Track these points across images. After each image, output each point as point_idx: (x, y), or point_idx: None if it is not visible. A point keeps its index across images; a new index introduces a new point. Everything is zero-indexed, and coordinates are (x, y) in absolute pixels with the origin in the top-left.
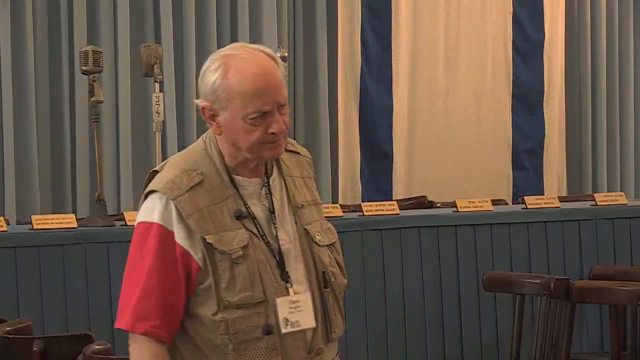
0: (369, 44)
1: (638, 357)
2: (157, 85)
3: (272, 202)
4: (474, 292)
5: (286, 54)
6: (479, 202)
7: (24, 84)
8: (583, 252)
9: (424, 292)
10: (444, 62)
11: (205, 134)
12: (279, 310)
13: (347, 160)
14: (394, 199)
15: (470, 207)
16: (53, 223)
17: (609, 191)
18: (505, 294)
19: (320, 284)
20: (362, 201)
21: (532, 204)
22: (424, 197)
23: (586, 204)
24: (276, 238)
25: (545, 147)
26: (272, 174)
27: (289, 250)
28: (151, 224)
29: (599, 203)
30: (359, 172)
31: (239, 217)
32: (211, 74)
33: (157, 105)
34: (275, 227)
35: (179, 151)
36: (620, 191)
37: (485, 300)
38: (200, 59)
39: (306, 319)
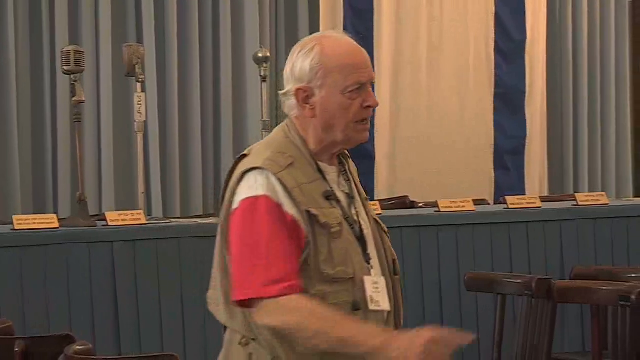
0: None
1: (619, 357)
2: (139, 85)
3: (351, 188)
4: (455, 292)
5: (268, 54)
6: (461, 202)
7: (5, 83)
8: (564, 252)
9: (406, 292)
10: (427, 62)
11: (283, 124)
12: (366, 288)
13: None
14: (376, 199)
15: (452, 207)
16: (35, 223)
17: (590, 191)
18: (486, 293)
19: (391, 271)
20: None
21: (514, 204)
22: (406, 197)
23: (568, 204)
24: (357, 222)
25: (527, 147)
26: (344, 165)
27: (368, 235)
28: (257, 197)
29: (580, 203)
30: None
31: (328, 197)
32: (307, 54)
33: (139, 105)
34: (356, 212)
35: (161, 151)
36: (602, 191)
37: (467, 300)
38: (182, 59)
39: (384, 301)
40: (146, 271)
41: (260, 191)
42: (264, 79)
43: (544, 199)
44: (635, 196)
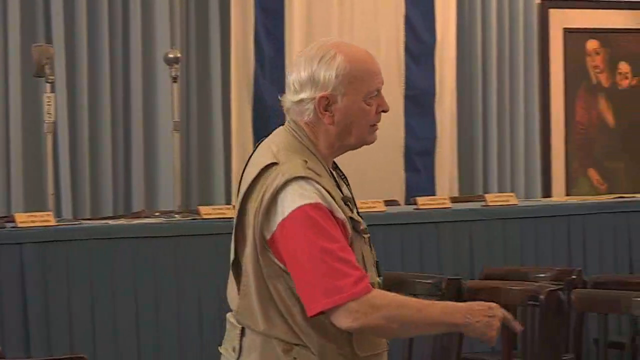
0: (263, 46)
1: (528, 357)
2: (48, 85)
3: (350, 191)
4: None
5: (179, 55)
6: (372, 203)
7: None
8: (474, 252)
9: None
10: None
11: (287, 127)
12: None
13: (240, 162)
14: None
15: (363, 208)
16: None
17: (499, 191)
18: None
19: (375, 272)
20: None
21: (424, 205)
22: None
23: (477, 205)
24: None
25: (437, 148)
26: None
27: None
28: (313, 204)
29: (490, 203)
30: None
31: (345, 203)
32: (329, 62)
33: (49, 106)
34: (359, 214)
35: (70, 152)
36: (511, 191)
37: None
38: (92, 59)
39: None
40: (56, 273)
41: (314, 198)
42: (174, 80)
43: (453, 200)
44: (544, 197)
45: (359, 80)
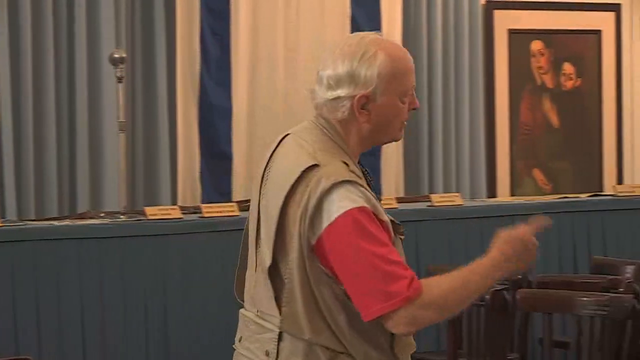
0: (208, 45)
1: (473, 356)
2: None
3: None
4: None
5: (124, 55)
6: None
7: None
8: (419, 252)
9: None
10: (284, 63)
11: (314, 124)
12: None
13: (186, 161)
14: (233, 200)
15: None
16: None
17: (445, 192)
18: None
19: None
20: (202, 202)
21: None
22: None
23: (423, 205)
24: None
25: (382, 148)
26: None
27: None
28: (361, 208)
29: (435, 204)
30: (198, 173)
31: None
32: (370, 60)
33: None
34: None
35: (15, 153)
36: (456, 192)
37: None
38: (36, 60)
39: None
40: (0, 274)
41: (360, 202)
42: (120, 80)
43: (399, 200)
44: (489, 197)
45: (398, 79)
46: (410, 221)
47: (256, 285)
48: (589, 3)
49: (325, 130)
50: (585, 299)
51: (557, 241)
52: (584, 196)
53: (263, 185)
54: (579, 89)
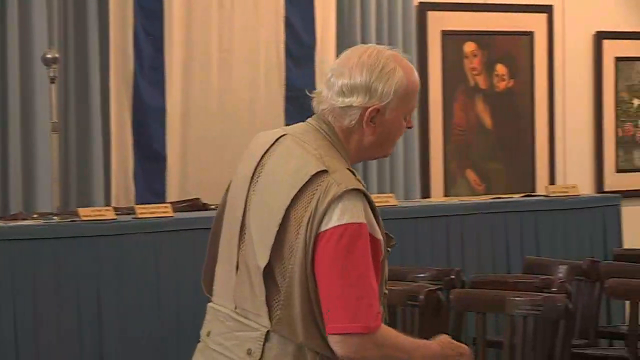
0: (142, 45)
1: None
2: None
3: None
4: None
5: (57, 55)
6: None
7: None
8: None
9: (198, 293)
10: (218, 64)
11: (314, 126)
12: None
13: (120, 162)
14: (167, 201)
15: None
16: None
17: (379, 192)
18: None
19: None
20: (136, 203)
21: None
22: (198, 199)
23: None
24: None
25: None
26: None
27: None
28: (360, 224)
29: None
30: (132, 173)
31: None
32: (389, 75)
33: None
34: None
35: None
36: (390, 192)
37: None
38: None
39: None
40: None
41: (360, 219)
42: (52, 80)
43: None
44: (423, 197)
45: (409, 98)
46: None
47: (239, 284)
48: (521, 5)
49: (326, 135)
50: (518, 299)
51: (490, 241)
52: (516, 196)
53: (254, 183)
54: (511, 90)
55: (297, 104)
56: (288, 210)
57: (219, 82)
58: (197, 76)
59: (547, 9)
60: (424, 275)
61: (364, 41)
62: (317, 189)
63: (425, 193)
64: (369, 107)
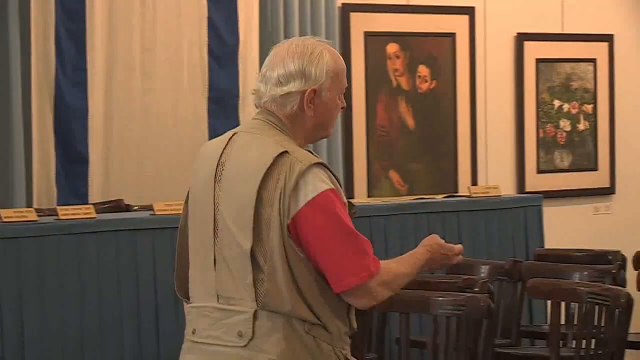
0: (63, 46)
1: None
2: None
3: None
4: (172, 294)
5: None
6: (177, 204)
7: None
8: None
9: (121, 295)
10: (141, 65)
11: (263, 120)
12: None
13: (41, 164)
14: (90, 202)
15: (167, 210)
16: None
17: None
18: None
19: None
20: (58, 204)
21: None
22: (121, 200)
23: None
24: None
25: None
26: None
27: None
28: (332, 190)
29: None
30: (54, 175)
31: None
32: (319, 59)
33: None
34: None
35: None
36: None
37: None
38: None
39: None
40: None
41: (328, 185)
42: None
43: None
44: (346, 198)
45: (339, 77)
46: None
47: (219, 276)
48: (443, 6)
49: (274, 125)
50: (441, 299)
51: (413, 242)
52: (439, 197)
53: (218, 181)
54: (434, 91)
55: (221, 104)
56: (260, 192)
57: (142, 83)
58: (120, 77)
59: (469, 11)
60: None
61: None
62: (282, 168)
63: (349, 194)
64: (306, 90)
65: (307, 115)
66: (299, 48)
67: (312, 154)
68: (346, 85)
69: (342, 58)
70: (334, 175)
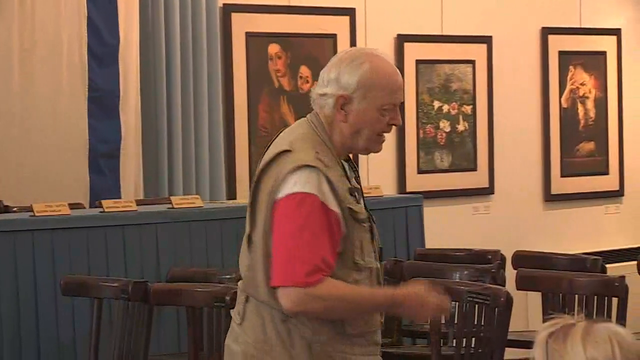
0: None
1: (214, 357)
2: None
3: (359, 183)
4: (52, 297)
5: None
6: (57, 206)
7: None
8: (160, 255)
9: (14, 294)
10: (20, 64)
11: (307, 119)
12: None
13: None
14: None
15: (47, 211)
16: None
17: (185, 194)
18: (83, 297)
19: (377, 258)
20: None
21: (110, 208)
22: (0, 201)
23: (163, 207)
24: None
25: (122, 150)
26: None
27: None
28: (307, 194)
29: (175, 206)
30: None
31: (352, 193)
32: (356, 68)
33: None
34: (365, 205)
35: None
36: (197, 194)
37: (64, 304)
38: None
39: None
40: None
41: (310, 189)
42: None
43: (139, 202)
44: (228, 199)
45: (377, 91)
46: (150, 223)
47: (242, 254)
48: (324, 7)
49: (312, 125)
50: None
51: None
52: None
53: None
54: None
55: (101, 104)
56: (258, 184)
57: (21, 82)
58: None
59: (350, 12)
60: (230, 277)
61: (168, 42)
62: (278, 166)
63: (231, 194)
64: (338, 95)
65: (340, 120)
66: (346, 55)
67: (321, 160)
68: (393, 101)
69: (395, 75)
70: (330, 181)
